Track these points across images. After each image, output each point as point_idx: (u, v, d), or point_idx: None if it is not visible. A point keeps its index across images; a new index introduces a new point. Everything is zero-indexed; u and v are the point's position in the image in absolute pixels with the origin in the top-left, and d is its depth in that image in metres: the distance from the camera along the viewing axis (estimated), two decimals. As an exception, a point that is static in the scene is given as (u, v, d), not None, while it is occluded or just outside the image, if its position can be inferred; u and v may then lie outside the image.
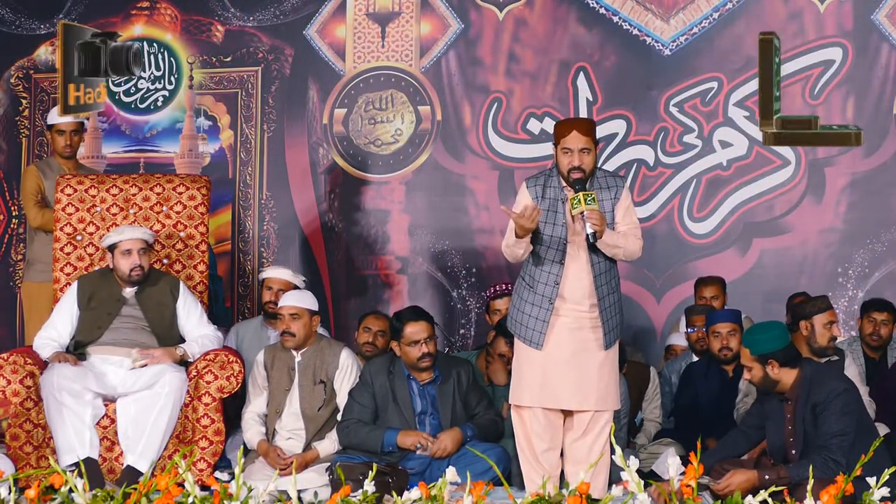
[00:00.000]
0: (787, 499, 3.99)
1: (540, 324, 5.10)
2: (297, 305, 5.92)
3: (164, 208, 6.35)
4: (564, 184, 5.11)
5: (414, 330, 5.74)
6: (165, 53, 8.12)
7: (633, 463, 3.79)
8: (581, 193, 4.95)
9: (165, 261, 6.29)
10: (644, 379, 6.59)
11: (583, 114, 7.69)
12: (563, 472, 5.21)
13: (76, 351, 5.86)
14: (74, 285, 6.00)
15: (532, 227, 4.96)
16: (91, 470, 5.24)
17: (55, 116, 6.61)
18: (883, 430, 5.66)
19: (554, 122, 7.65)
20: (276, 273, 6.48)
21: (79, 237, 6.28)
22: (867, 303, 6.72)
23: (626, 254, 5.14)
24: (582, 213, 4.95)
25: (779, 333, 5.17)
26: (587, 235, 4.98)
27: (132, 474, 5.49)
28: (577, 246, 5.09)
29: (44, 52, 8.19)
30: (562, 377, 5.09)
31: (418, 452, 5.65)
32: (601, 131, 6.85)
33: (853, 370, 6.02)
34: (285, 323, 5.92)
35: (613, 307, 5.18)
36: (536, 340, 5.11)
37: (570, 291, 5.09)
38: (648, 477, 5.45)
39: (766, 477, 4.88)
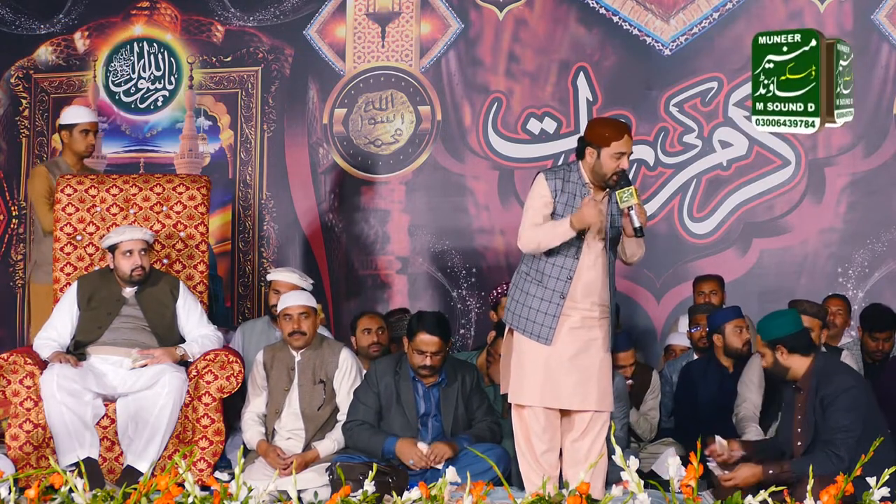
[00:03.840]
0: (788, 499, 3.99)
1: (549, 318, 5.05)
2: (307, 304, 5.92)
3: (164, 208, 6.35)
4: (587, 180, 5.06)
5: (425, 340, 5.72)
6: (165, 53, 8.12)
7: (633, 463, 3.80)
8: (631, 187, 4.97)
9: (165, 261, 6.29)
10: (645, 379, 6.58)
11: (582, 114, 7.69)
12: (561, 472, 5.21)
13: (76, 351, 5.86)
14: (74, 285, 6.00)
15: (595, 222, 4.96)
16: (91, 470, 5.25)
17: (81, 115, 6.64)
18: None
19: (555, 123, 7.67)
20: (284, 276, 6.40)
21: (79, 237, 6.28)
22: (867, 321, 6.57)
23: (642, 252, 5.19)
24: (630, 206, 4.96)
25: (789, 320, 5.22)
26: (635, 228, 4.96)
27: (132, 474, 5.49)
28: (590, 242, 5.06)
29: (44, 53, 8.19)
30: (564, 376, 5.06)
31: (410, 464, 5.63)
32: (601, 131, 6.85)
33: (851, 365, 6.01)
34: (295, 322, 5.90)
35: (612, 308, 5.19)
36: (545, 335, 5.04)
37: (581, 288, 5.06)
38: (648, 477, 5.45)
39: (770, 471, 4.93)
